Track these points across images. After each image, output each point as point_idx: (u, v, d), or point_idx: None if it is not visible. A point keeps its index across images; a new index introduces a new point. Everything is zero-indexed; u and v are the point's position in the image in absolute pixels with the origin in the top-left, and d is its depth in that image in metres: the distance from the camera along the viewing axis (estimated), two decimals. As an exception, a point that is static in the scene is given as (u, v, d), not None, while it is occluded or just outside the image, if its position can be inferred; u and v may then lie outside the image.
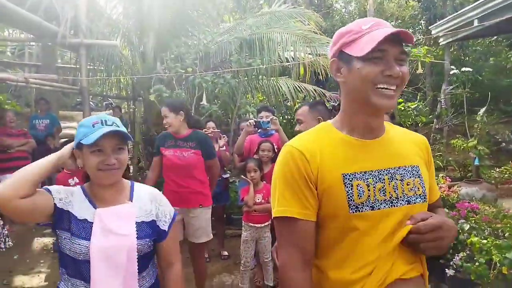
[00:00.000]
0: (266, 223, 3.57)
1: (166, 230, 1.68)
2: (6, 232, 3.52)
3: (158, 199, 1.72)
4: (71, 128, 10.90)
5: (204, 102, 5.34)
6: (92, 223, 1.53)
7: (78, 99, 11.69)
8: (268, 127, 3.78)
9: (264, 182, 3.60)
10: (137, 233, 1.57)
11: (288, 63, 6.45)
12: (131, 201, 1.64)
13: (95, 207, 1.57)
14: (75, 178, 3.59)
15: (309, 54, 6.33)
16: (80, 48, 6.01)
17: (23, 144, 5.44)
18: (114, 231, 1.54)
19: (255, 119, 3.94)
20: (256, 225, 3.53)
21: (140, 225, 1.60)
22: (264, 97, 7.70)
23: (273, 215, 1.24)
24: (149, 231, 1.62)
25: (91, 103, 13.38)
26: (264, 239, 3.58)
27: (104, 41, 6.27)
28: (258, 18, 7.18)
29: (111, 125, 1.54)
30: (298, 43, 6.14)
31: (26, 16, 5.17)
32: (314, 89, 7.56)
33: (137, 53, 6.87)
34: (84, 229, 1.53)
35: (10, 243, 3.53)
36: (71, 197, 1.59)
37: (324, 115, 2.65)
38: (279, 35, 6.22)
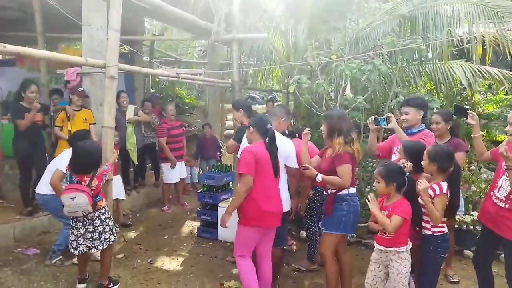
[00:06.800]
0: (393, 248, 2.72)
1: None
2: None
3: None
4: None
5: (348, 92, 4.71)
6: None
7: (247, 94, 12.40)
8: (384, 125, 3.41)
9: (400, 196, 2.75)
10: None
11: (462, 43, 5.15)
12: None
13: None
14: None
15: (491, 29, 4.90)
16: (232, 43, 6.20)
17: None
18: None
19: (376, 116, 3.52)
20: (378, 246, 2.83)
21: None
22: (433, 85, 6.47)
23: None
24: None
25: (257, 96, 14.14)
26: (391, 268, 2.75)
27: (254, 34, 6.32)
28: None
29: None
30: (475, 15, 4.82)
31: (186, 17, 5.57)
32: (501, 74, 5.93)
33: (289, 44, 6.67)
34: None
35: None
36: None
37: None
38: (448, 8, 5.01)
